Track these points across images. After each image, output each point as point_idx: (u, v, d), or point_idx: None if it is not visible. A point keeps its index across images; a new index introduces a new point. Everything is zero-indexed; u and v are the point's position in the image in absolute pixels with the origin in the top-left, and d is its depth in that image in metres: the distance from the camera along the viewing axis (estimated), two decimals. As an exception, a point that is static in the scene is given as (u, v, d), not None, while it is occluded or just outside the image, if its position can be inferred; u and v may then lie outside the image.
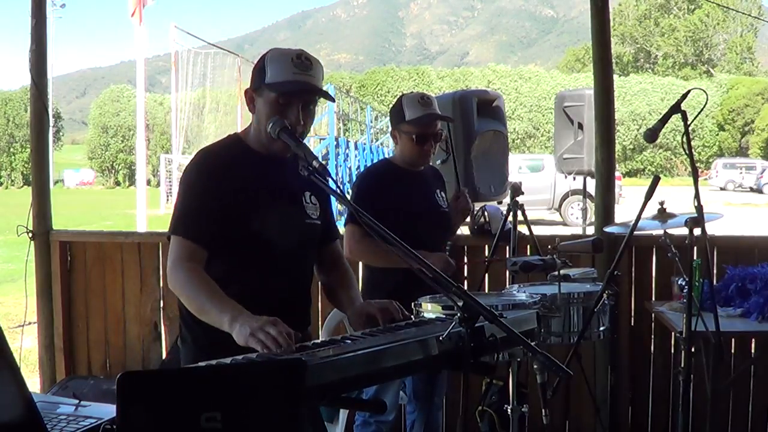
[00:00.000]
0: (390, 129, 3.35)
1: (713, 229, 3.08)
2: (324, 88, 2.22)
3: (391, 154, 3.66)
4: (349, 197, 2.96)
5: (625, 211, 4.32)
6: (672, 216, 3.09)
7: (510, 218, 3.72)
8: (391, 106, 3.34)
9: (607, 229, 3.53)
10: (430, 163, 3.42)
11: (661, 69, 59.22)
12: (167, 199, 18.62)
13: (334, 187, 1.93)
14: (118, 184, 45.94)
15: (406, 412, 3.58)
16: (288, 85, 2.12)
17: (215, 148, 2.28)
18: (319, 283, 2.51)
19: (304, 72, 2.13)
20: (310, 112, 2.20)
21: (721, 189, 32.72)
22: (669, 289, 3.96)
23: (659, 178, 3.08)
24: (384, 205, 3.01)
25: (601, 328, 2.98)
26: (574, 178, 6.30)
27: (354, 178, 19.88)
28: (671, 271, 3.94)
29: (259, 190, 2.19)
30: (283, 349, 1.74)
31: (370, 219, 1.83)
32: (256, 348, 1.79)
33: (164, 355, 4.39)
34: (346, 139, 21.54)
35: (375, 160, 23.27)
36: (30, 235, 4.36)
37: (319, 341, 1.78)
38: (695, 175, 2.88)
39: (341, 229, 2.83)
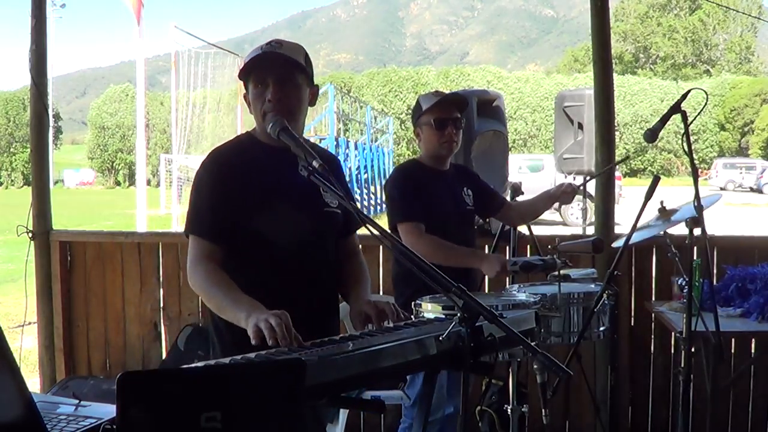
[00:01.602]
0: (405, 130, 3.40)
1: (713, 228, 3.08)
2: (301, 64, 2.18)
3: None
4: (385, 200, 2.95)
5: (625, 211, 4.32)
6: (673, 212, 3.09)
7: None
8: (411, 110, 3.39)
9: (615, 245, 3.43)
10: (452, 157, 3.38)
11: (661, 69, 59.22)
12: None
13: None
14: (118, 184, 45.95)
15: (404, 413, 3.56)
16: (251, 62, 2.16)
17: (226, 146, 2.31)
18: None
19: (272, 49, 2.16)
20: (294, 86, 2.18)
21: (721, 189, 32.71)
22: (669, 289, 3.96)
23: (659, 178, 3.07)
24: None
25: (601, 328, 2.98)
26: (574, 178, 6.29)
27: (353, 178, 19.94)
28: (671, 271, 3.94)
29: (272, 183, 2.19)
30: (280, 340, 1.76)
31: (370, 220, 1.84)
32: (251, 336, 1.81)
33: (164, 355, 4.39)
34: (346, 139, 21.56)
35: (375, 160, 23.20)
36: (30, 235, 4.36)
37: (318, 341, 1.78)
38: (695, 175, 2.88)
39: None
